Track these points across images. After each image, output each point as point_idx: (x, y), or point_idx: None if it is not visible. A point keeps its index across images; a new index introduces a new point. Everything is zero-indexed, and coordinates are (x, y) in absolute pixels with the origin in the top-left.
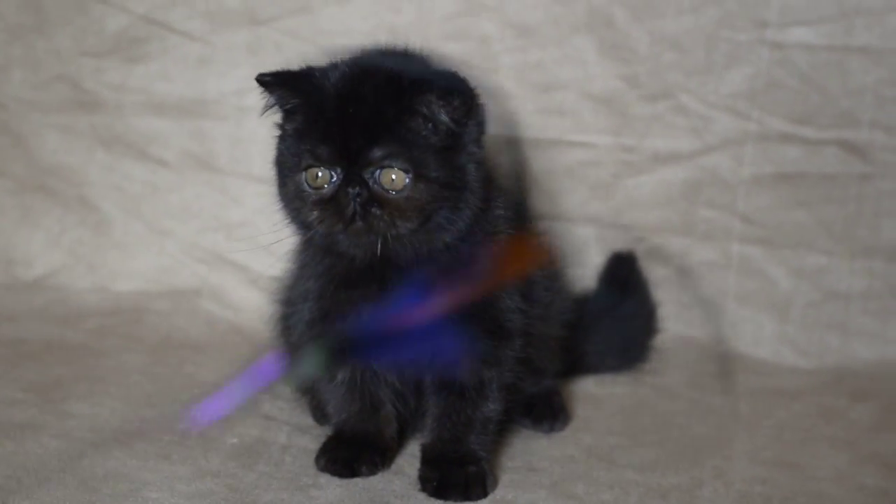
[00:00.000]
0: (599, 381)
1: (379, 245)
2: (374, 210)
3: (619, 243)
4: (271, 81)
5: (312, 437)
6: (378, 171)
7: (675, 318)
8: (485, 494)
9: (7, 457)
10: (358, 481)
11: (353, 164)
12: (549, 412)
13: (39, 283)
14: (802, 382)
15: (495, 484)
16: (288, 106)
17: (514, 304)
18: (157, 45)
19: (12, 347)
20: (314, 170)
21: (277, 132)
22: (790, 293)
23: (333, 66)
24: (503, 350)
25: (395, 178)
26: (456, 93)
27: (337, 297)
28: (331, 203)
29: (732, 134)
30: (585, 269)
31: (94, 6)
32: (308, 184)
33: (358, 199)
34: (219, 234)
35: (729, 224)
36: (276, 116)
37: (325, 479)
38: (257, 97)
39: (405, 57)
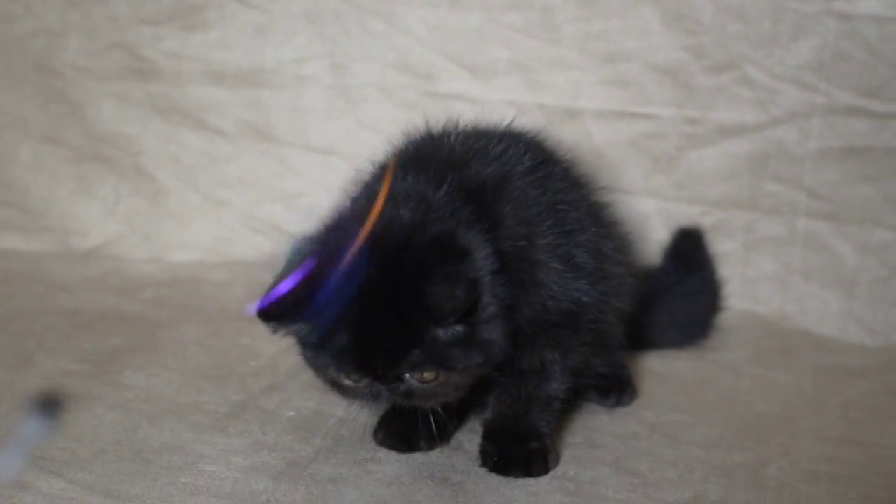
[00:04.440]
0: (662, 357)
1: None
2: (413, 400)
3: (682, 217)
4: (275, 316)
5: (370, 411)
6: (407, 375)
7: (739, 294)
8: (546, 471)
9: (62, 428)
10: (417, 456)
11: (380, 377)
12: (616, 386)
13: (95, 253)
14: (869, 360)
15: (557, 460)
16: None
17: (584, 297)
18: (216, 13)
19: (68, 318)
20: (343, 375)
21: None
22: (856, 269)
23: (326, 281)
24: (569, 337)
25: (425, 375)
26: (458, 309)
27: None
28: (369, 394)
29: (799, 107)
30: (648, 244)
31: None
32: (343, 380)
33: (394, 394)
34: (276, 205)
35: (795, 198)
36: None
37: (384, 454)
38: (316, 66)
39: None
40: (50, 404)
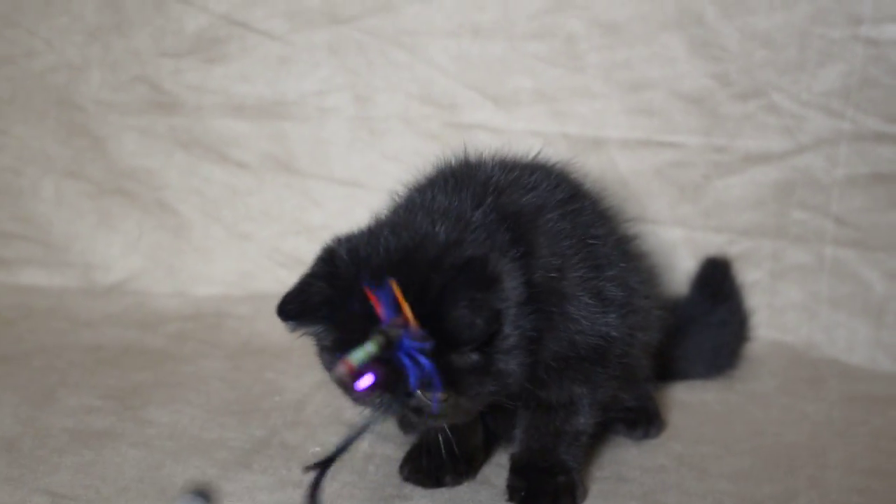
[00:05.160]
0: (689, 388)
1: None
2: (422, 417)
3: (709, 246)
4: (294, 314)
5: (396, 446)
6: (419, 392)
7: (766, 324)
8: None
9: (85, 466)
10: (443, 491)
11: (391, 390)
12: (643, 418)
13: (118, 288)
14: None
15: (585, 494)
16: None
17: (613, 331)
18: (237, 46)
19: (91, 353)
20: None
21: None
22: (885, 297)
23: (352, 285)
24: (597, 371)
25: (438, 396)
26: (476, 339)
27: None
28: (380, 404)
29: (826, 133)
30: (675, 273)
31: (172, 6)
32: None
33: (404, 408)
34: (300, 238)
35: (822, 226)
36: None
37: (410, 489)
38: (339, 98)
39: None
40: (203, 494)
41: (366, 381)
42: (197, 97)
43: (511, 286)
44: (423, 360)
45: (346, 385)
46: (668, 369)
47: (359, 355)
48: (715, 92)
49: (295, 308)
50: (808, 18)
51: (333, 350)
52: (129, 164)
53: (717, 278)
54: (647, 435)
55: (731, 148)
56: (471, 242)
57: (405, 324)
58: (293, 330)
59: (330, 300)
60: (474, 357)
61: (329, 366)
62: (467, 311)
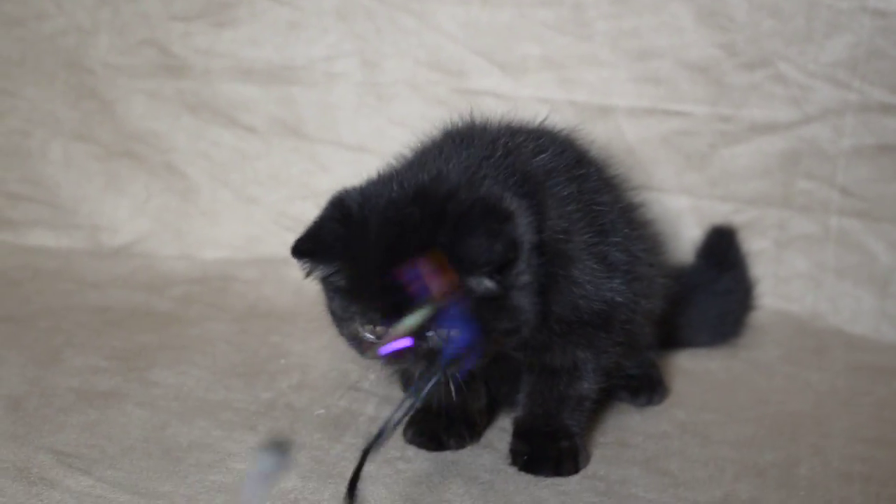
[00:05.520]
0: (693, 356)
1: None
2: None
3: (715, 215)
4: (308, 252)
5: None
6: (431, 333)
7: (771, 293)
8: (576, 470)
9: (91, 425)
10: (446, 454)
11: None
12: (646, 385)
13: (125, 250)
14: None
15: (588, 460)
16: (329, 273)
17: (617, 297)
18: (246, 10)
19: (97, 314)
20: (370, 325)
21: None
22: (890, 267)
23: (366, 220)
24: (601, 337)
25: (451, 333)
26: (494, 262)
27: None
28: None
29: (832, 104)
30: (680, 242)
31: None
32: (365, 333)
33: (416, 356)
34: (307, 202)
35: (828, 196)
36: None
37: (413, 452)
38: (347, 63)
39: (445, 202)
40: (281, 445)
41: (401, 343)
42: (206, 61)
43: (525, 223)
44: (467, 332)
45: (358, 338)
46: (672, 337)
47: (411, 321)
48: (722, 61)
49: (310, 246)
50: None
51: (349, 291)
52: (138, 127)
53: (722, 247)
54: (650, 402)
55: (737, 117)
56: (484, 183)
57: (453, 290)
58: (308, 271)
59: (344, 239)
60: (490, 285)
61: (342, 313)
62: (485, 236)
